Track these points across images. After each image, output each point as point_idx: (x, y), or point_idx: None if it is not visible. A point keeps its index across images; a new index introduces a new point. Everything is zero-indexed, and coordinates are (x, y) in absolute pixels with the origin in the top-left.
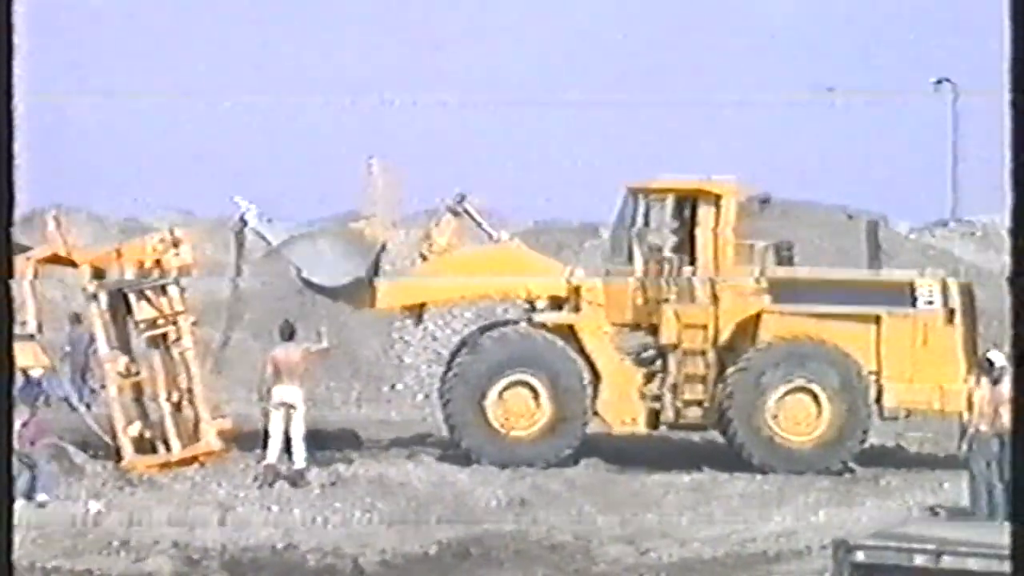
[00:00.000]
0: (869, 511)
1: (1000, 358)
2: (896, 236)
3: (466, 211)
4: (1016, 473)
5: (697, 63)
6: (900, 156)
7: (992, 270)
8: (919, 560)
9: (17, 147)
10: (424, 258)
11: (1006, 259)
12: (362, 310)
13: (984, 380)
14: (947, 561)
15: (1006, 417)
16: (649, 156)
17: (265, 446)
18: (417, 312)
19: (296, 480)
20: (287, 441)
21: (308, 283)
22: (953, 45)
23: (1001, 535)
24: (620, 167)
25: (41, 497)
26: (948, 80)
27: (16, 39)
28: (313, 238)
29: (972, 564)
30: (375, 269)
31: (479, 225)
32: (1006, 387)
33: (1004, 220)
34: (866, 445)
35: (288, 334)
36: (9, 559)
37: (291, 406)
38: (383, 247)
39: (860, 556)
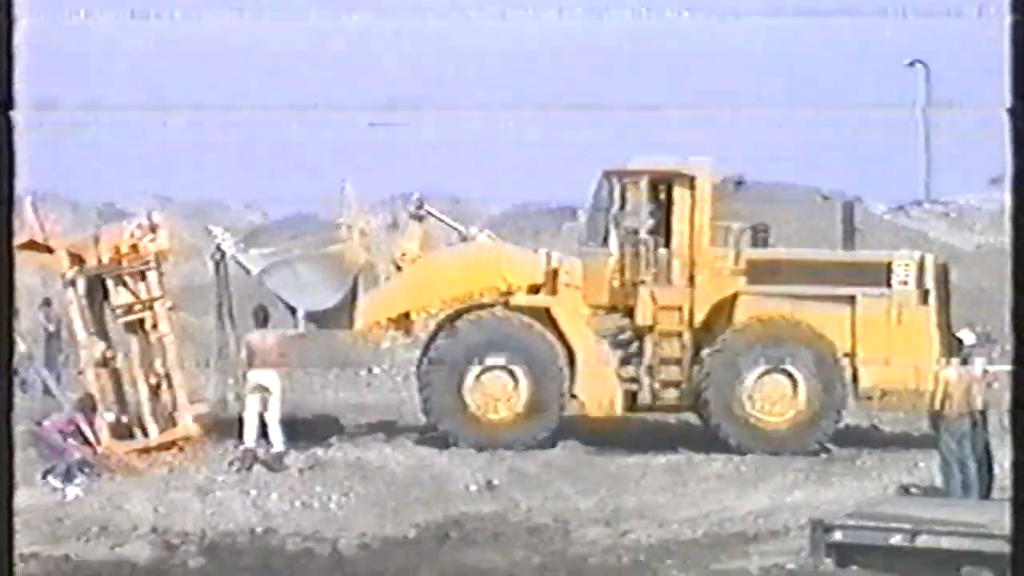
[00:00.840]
0: (846, 490)
1: (970, 337)
2: (871, 217)
3: (429, 213)
4: (1017, 453)
5: (674, 48)
6: (874, 137)
7: (965, 250)
8: (895, 539)
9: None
10: (399, 268)
11: (979, 239)
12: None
13: (953, 359)
14: (923, 540)
15: (979, 396)
16: (625, 138)
17: (241, 431)
18: (404, 324)
19: (274, 464)
20: (264, 425)
21: (291, 309)
22: (927, 26)
23: (975, 514)
24: (595, 149)
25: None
26: (920, 62)
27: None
28: (292, 265)
29: (946, 543)
30: (354, 291)
31: (447, 224)
32: (977, 366)
33: (984, 201)
34: (841, 425)
35: (262, 319)
36: (11, 557)
37: (266, 390)
38: (361, 269)
39: (837, 535)
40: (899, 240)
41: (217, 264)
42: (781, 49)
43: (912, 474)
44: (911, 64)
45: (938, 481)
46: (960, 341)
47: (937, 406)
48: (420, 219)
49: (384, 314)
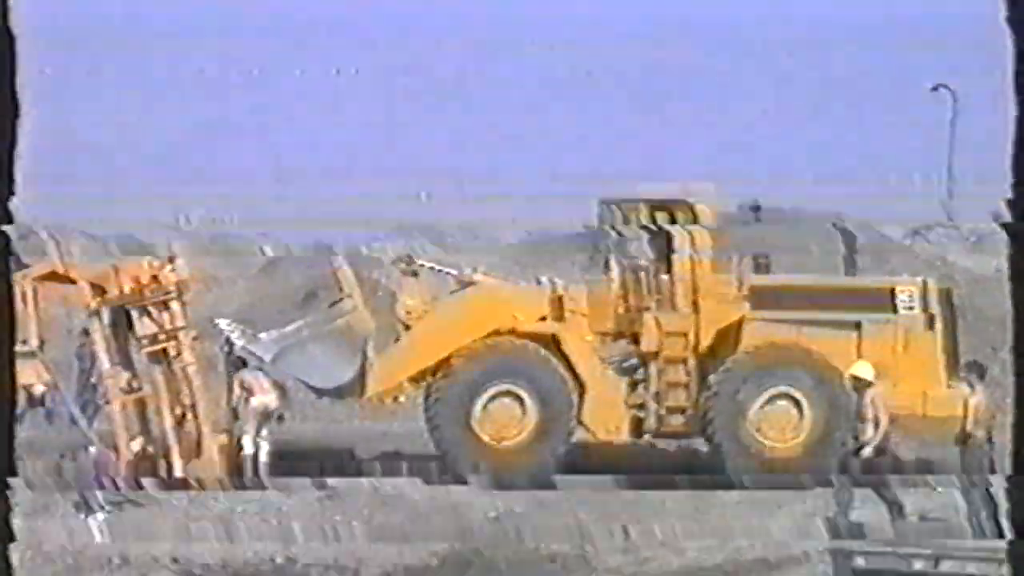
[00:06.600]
0: (866, 516)
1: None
2: (888, 241)
3: (422, 266)
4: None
5: (688, 69)
6: (894, 160)
7: (986, 274)
8: (918, 565)
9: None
10: (407, 327)
11: (999, 262)
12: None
13: (978, 386)
14: (946, 565)
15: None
16: (640, 164)
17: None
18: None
19: (262, 480)
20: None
21: (311, 388)
22: (949, 50)
23: (996, 540)
24: (610, 176)
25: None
26: (945, 86)
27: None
28: (303, 345)
29: (971, 568)
30: (364, 361)
31: (443, 272)
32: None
33: (1000, 219)
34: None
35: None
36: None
37: (265, 414)
38: (370, 334)
39: (859, 561)
40: (919, 265)
41: (227, 354)
42: (800, 71)
43: (933, 500)
44: (935, 88)
45: (961, 507)
46: (980, 365)
47: (964, 432)
48: (415, 274)
49: (402, 374)
